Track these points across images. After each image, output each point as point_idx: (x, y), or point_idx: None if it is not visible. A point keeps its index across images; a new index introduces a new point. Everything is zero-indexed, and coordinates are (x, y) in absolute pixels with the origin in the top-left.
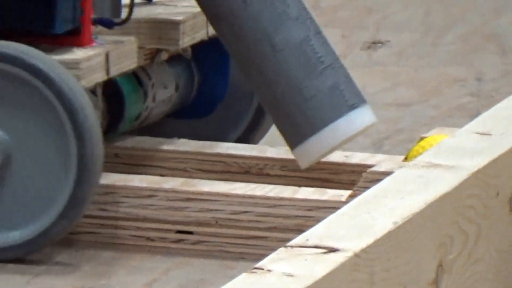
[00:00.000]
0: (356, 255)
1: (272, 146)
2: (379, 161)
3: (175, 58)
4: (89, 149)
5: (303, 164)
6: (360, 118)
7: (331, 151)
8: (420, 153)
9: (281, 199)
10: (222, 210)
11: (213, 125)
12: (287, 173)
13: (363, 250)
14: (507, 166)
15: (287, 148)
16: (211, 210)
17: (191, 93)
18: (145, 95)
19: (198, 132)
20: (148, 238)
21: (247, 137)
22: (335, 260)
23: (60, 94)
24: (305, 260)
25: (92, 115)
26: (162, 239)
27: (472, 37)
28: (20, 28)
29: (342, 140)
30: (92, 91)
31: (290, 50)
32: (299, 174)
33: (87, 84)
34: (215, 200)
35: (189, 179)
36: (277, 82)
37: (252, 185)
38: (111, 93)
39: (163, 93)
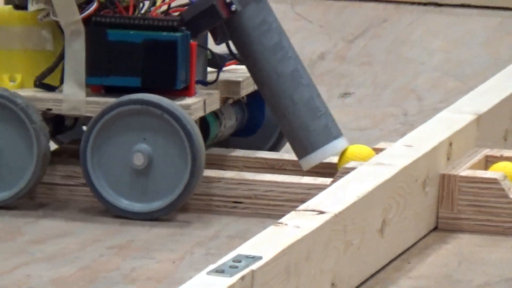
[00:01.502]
0: (335, 216)
1: (287, 152)
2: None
3: (236, 102)
4: (197, 155)
5: (304, 168)
6: (339, 144)
7: (320, 162)
8: (348, 157)
9: (292, 183)
10: (258, 189)
11: (255, 141)
12: (296, 168)
13: (340, 212)
14: (421, 164)
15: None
16: (251, 189)
17: (243, 122)
18: (220, 124)
19: (246, 145)
20: (217, 206)
21: (274, 148)
22: (323, 218)
23: (182, 124)
24: (306, 218)
25: (198, 135)
26: (225, 206)
27: (401, 91)
28: (156, 86)
29: (327, 156)
30: (195, 122)
31: (302, 103)
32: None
33: (194, 118)
34: (254, 184)
35: (240, 172)
36: (292, 121)
37: (275, 175)
38: (202, 122)
39: (229, 122)
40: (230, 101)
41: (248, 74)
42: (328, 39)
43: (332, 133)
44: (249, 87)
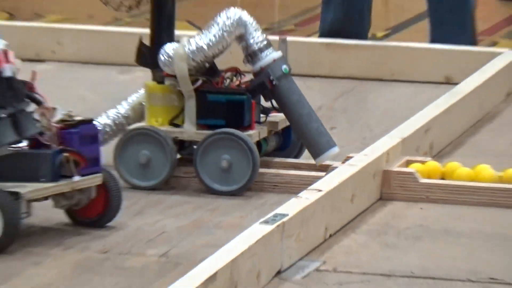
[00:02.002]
0: (327, 192)
1: (304, 159)
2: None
3: (276, 133)
4: (255, 161)
5: (317, 163)
6: (336, 150)
7: (327, 160)
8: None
9: (304, 175)
10: (286, 179)
11: (286, 153)
12: (307, 167)
13: (329, 190)
14: (372, 164)
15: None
16: (283, 178)
17: (279, 143)
18: (267, 145)
19: (281, 156)
20: (266, 188)
21: (296, 157)
22: (320, 194)
23: (247, 144)
24: (311, 194)
25: (256, 151)
26: (269, 188)
27: (363, 127)
28: (233, 125)
29: (330, 158)
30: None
31: (314, 129)
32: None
33: (253, 141)
34: (284, 175)
35: (277, 170)
36: (309, 139)
37: (296, 171)
38: (258, 144)
39: (272, 144)
40: (272, 132)
41: (283, 117)
42: (323, 98)
43: (330, 144)
44: (282, 124)
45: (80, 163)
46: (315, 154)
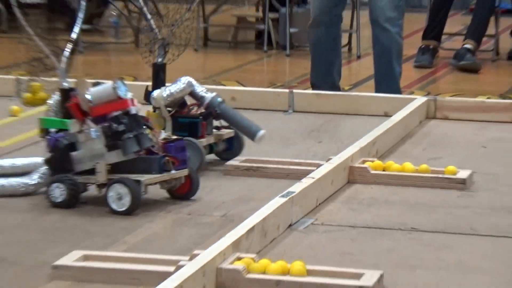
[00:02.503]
0: (317, 179)
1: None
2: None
3: (224, 140)
4: (202, 155)
5: (255, 141)
6: (262, 131)
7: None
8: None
9: (305, 169)
10: (294, 170)
11: (232, 152)
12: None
13: (319, 177)
14: (344, 163)
15: None
16: (293, 171)
17: (226, 146)
18: (216, 146)
19: (230, 154)
20: (280, 176)
21: (238, 154)
22: (313, 180)
23: (198, 146)
24: (309, 180)
25: (203, 149)
26: (280, 176)
27: (332, 140)
28: (192, 136)
29: (260, 136)
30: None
31: (244, 119)
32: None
33: (203, 145)
34: (293, 170)
35: (288, 166)
36: (243, 128)
37: (299, 166)
38: (209, 146)
39: (220, 146)
40: (221, 140)
41: (228, 131)
42: (314, 124)
43: (259, 129)
44: (227, 136)
45: (175, 163)
46: (252, 136)
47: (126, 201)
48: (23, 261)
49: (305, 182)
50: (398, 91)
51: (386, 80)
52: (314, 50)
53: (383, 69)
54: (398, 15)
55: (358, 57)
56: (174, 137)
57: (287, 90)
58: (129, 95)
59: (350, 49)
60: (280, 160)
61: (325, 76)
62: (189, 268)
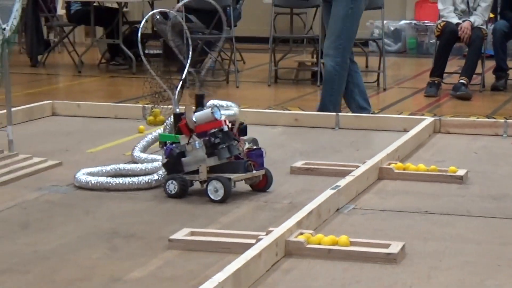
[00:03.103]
0: (357, 176)
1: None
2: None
3: None
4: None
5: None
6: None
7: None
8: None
9: (348, 169)
10: (340, 170)
11: None
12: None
13: (358, 175)
14: (376, 165)
15: None
16: (340, 170)
17: None
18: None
19: None
20: (329, 174)
21: None
22: (354, 176)
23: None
24: (350, 177)
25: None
26: (329, 174)
27: (367, 149)
28: None
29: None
30: None
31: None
32: None
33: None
34: (340, 170)
35: (336, 167)
36: None
37: (344, 167)
38: None
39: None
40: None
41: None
42: (351, 139)
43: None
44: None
45: (255, 165)
46: None
47: (221, 193)
48: (147, 236)
49: (348, 178)
50: (326, 109)
51: (321, 100)
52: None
53: (322, 92)
54: (336, 53)
55: (384, 89)
56: (255, 147)
57: (334, 113)
58: (223, 117)
59: (378, 84)
60: (330, 163)
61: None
62: (266, 240)
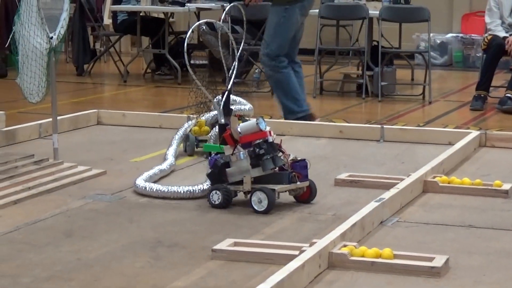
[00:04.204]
0: (401, 189)
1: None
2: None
3: None
4: None
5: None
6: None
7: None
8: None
9: (392, 182)
10: (383, 182)
11: None
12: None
13: (403, 188)
14: (420, 178)
15: None
16: (383, 183)
17: None
18: None
19: None
20: (373, 187)
21: None
22: (398, 189)
23: None
24: (395, 190)
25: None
26: (374, 187)
27: (412, 162)
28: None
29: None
30: None
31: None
32: None
33: None
34: (383, 182)
35: (379, 180)
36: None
37: (388, 180)
38: None
39: None
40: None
41: None
42: (395, 152)
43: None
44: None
45: (299, 177)
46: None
47: (265, 204)
48: (191, 245)
49: (392, 191)
50: (291, 110)
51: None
52: None
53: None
54: (269, 60)
55: (430, 102)
56: (299, 158)
57: (379, 126)
58: (268, 128)
59: (424, 97)
60: (375, 175)
61: None
62: (309, 252)
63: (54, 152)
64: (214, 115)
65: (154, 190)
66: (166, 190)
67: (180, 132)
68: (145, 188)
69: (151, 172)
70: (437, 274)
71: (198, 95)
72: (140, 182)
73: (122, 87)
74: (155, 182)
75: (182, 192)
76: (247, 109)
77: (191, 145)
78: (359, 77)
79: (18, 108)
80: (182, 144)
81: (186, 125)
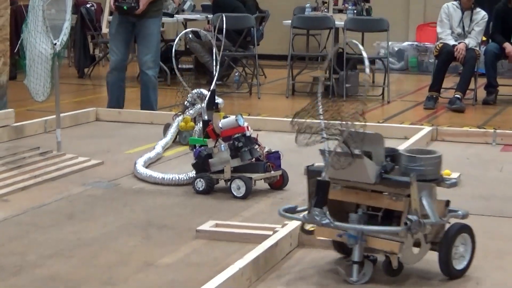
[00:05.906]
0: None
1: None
2: None
3: None
4: None
5: None
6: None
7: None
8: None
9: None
10: None
11: None
12: None
13: None
14: None
15: None
16: None
17: None
18: None
19: None
20: None
21: None
22: None
23: None
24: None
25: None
26: None
27: None
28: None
29: None
30: None
31: None
32: None
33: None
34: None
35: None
36: None
37: None
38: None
39: None
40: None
41: None
42: None
43: None
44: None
45: (273, 166)
46: None
47: (243, 190)
48: (177, 226)
49: None
50: (152, 107)
51: (145, 103)
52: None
53: (143, 97)
54: (155, 65)
55: (388, 102)
56: (273, 150)
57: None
58: (245, 124)
59: (383, 97)
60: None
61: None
62: (281, 232)
63: (57, 145)
64: (197, 110)
65: (155, 176)
66: (165, 177)
67: (173, 127)
68: (145, 174)
69: (145, 157)
70: None
71: (185, 95)
72: (141, 169)
73: None
74: (147, 167)
75: (180, 179)
76: (220, 102)
77: (186, 138)
78: (326, 80)
79: (26, 106)
80: (177, 137)
81: (176, 122)
